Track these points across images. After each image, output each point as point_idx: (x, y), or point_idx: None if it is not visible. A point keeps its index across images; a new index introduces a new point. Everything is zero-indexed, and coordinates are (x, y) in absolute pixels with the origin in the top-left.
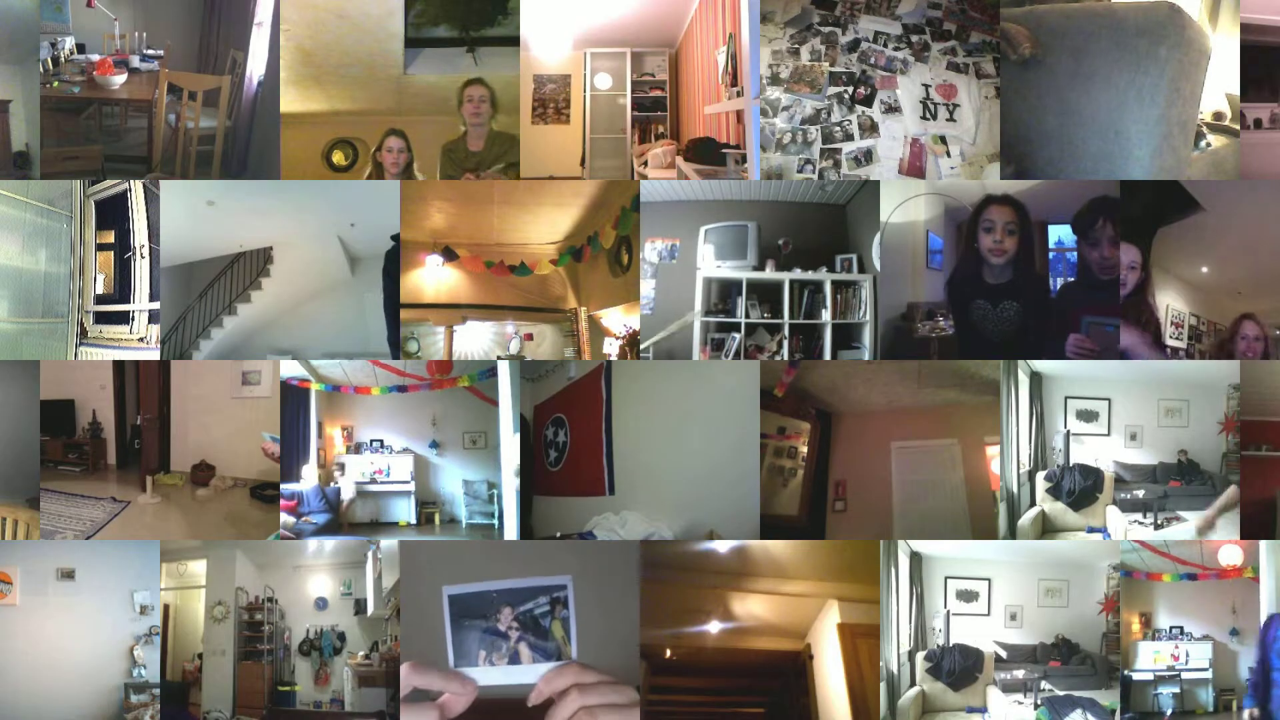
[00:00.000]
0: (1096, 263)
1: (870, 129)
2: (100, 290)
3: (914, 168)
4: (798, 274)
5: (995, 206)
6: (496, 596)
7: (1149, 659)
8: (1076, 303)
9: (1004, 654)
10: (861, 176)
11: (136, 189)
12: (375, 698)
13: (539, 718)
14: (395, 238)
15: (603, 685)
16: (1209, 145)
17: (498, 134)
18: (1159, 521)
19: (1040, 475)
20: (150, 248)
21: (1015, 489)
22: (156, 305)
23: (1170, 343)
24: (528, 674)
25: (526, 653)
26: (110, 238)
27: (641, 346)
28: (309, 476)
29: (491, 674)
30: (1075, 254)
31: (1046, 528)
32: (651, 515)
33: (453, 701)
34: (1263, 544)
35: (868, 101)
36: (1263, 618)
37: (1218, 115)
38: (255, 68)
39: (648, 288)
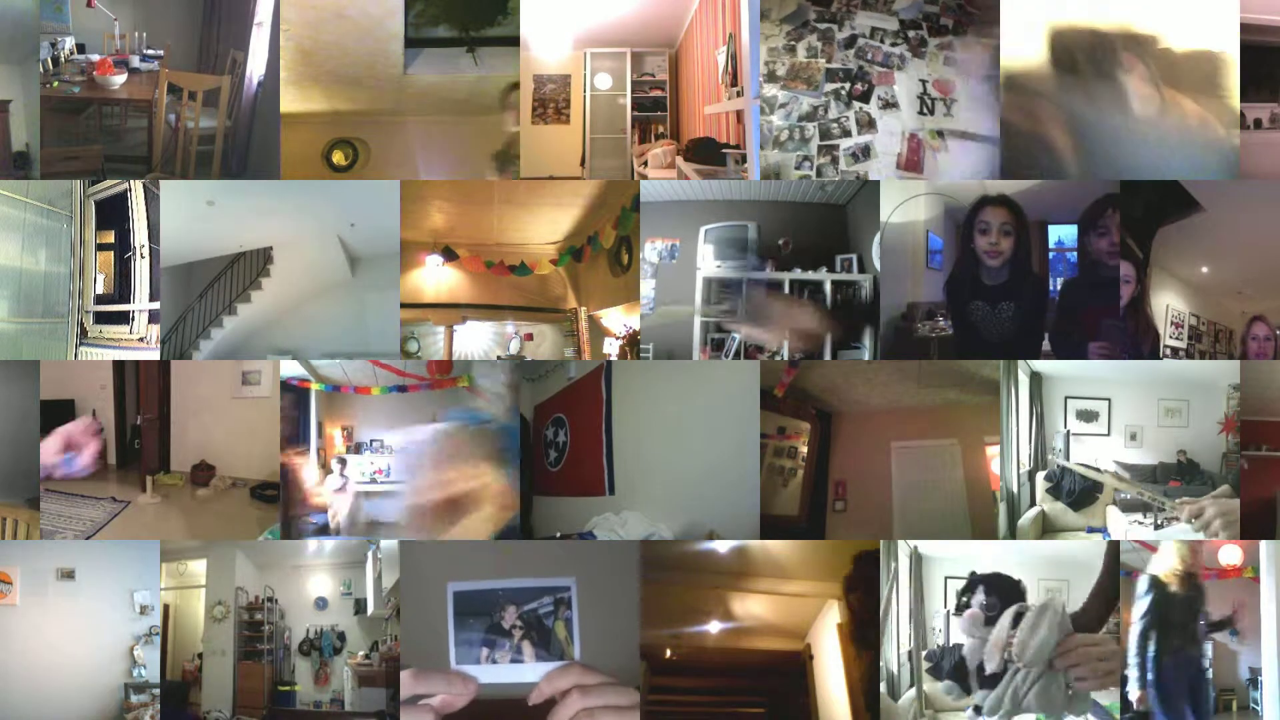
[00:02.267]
0: (1105, 251)
1: (868, 125)
2: (100, 290)
3: (912, 163)
4: (798, 274)
5: (990, 208)
6: (502, 595)
7: None
8: (1079, 300)
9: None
10: (859, 172)
11: (136, 189)
12: (375, 698)
13: (539, 717)
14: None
15: (605, 687)
16: None
17: None
18: (1159, 522)
19: (1040, 475)
20: (150, 248)
21: (1015, 489)
22: (156, 305)
23: (1170, 343)
24: (530, 673)
25: (529, 652)
26: (110, 238)
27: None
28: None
29: (493, 672)
30: (1075, 254)
31: (1046, 528)
32: (651, 515)
33: (450, 700)
34: (1263, 544)
35: (865, 98)
36: (1263, 618)
37: None
38: (255, 68)
39: (648, 288)
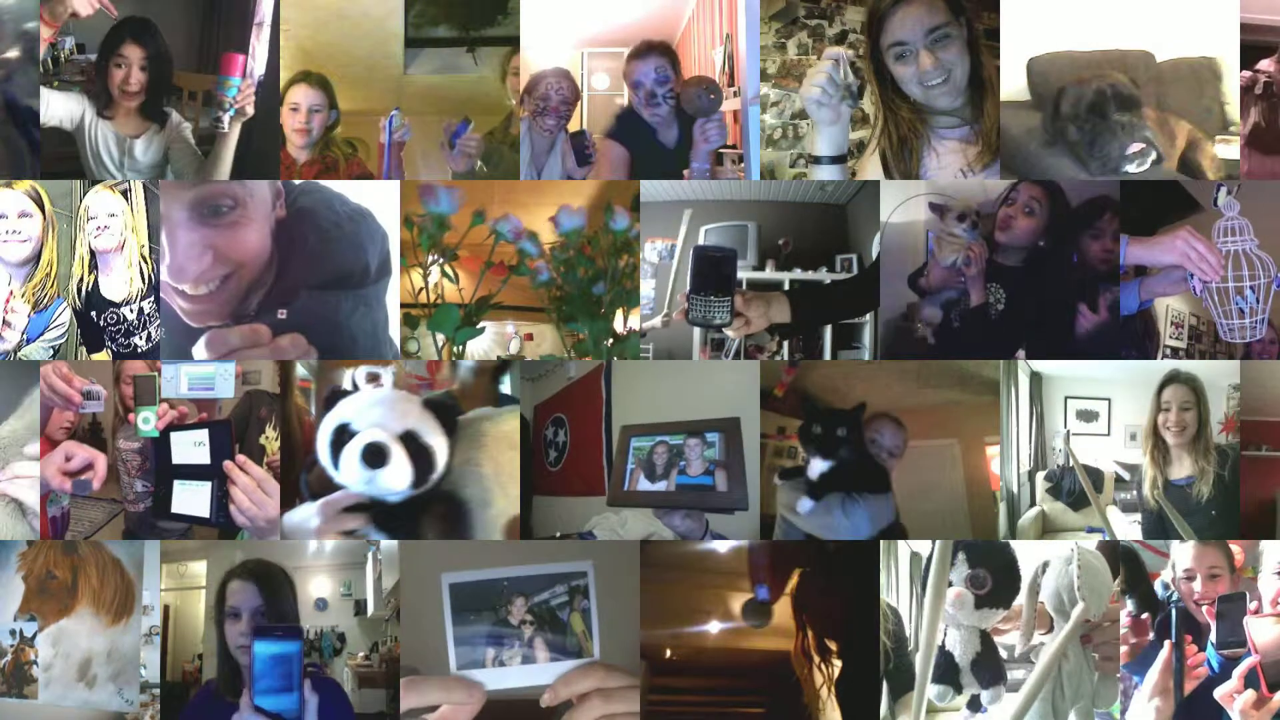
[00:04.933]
0: (1097, 255)
1: (861, 121)
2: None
3: None
4: (798, 274)
5: (1026, 184)
6: (507, 586)
7: None
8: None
9: None
10: (852, 168)
11: (136, 189)
12: (375, 699)
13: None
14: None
15: (628, 691)
16: None
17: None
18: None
19: (1040, 475)
20: (150, 247)
21: (1015, 489)
22: (156, 305)
23: (1170, 343)
24: (545, 675)
25: (543, 651)
26: None
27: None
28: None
29: (502, 676)
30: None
31: (1046, 528)
32: (651, 515)
33: (453, 713)
34: (1262, 544)
35: (859, 93)
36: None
37: None
38: (255, 68)
39: (648, 288)
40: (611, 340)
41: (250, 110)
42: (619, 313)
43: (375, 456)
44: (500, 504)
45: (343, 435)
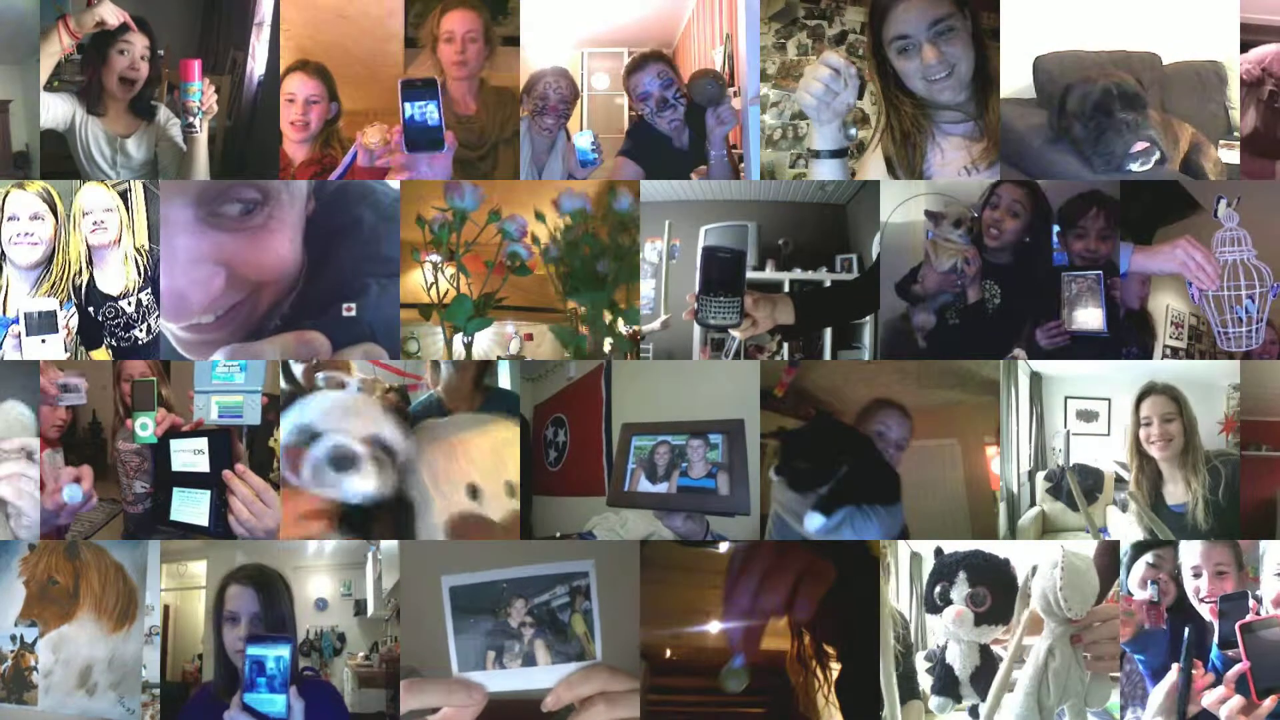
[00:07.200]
0: (1079, 254)
1: (861, 121)
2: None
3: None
4: (798, 274)
5: (1007, 185)
6: (506, 588)
7: None
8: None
9: None
10: (853, 168)
11: (136, 189)
12: (375, 699)
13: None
14: None
15: (632, 695)
16: None
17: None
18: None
19: (1040, 475)
20: (150, 248)
21: (1015, 489)
22: (157, 305)
23: (1170, 343)
24: (546, 677)
25: (543, 652)
26: None
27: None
28: None
29: (503, 679)
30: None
31: (1046, 528)
32: (652, 515)
33: (455, 715)
34: (1263, 544)
35: (859, 94)
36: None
37: None
38: (255, 68)
39: (648, 288)
40: (611, 317)
41: (215, 108)
42: (618, 307)
43: (344, 461)
44: (439, 505)
45: (304, 438)
